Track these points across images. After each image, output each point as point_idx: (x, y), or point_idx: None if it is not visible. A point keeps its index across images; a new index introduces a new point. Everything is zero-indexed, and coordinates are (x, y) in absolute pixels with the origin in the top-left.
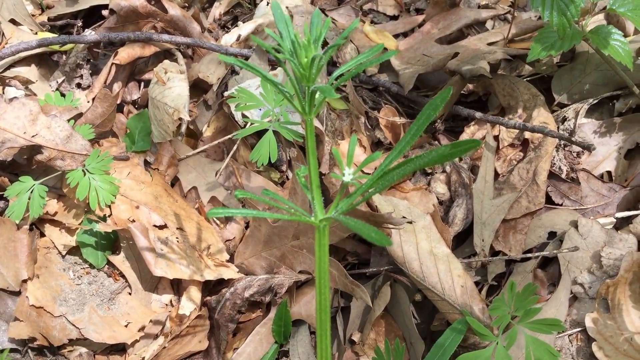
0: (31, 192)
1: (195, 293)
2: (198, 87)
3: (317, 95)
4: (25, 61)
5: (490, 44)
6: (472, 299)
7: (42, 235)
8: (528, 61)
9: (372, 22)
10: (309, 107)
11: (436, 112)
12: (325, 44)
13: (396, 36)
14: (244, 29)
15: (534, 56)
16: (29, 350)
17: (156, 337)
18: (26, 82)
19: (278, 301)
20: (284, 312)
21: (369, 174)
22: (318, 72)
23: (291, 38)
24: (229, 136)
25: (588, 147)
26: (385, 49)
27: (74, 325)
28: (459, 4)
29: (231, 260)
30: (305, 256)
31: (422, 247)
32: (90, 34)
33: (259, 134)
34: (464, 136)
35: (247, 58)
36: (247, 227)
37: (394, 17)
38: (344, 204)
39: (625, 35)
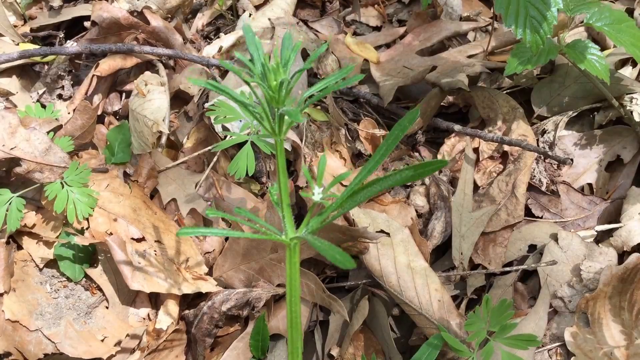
0: (9, 204)
1: (172, 307)
2: (179, 98)
3: (286, 117)
4: (6, 72)
5: (470, 56)
6: (449, 313)
7: (20, 248)
8: (505, 75)
9: (354, 33)
10: (279, 128)
11: (405, 132)
12: (306, 54)
13: (378, 47)
14: (226, 40)
15: (510, 70)
16: None
17: (133, 351)
18: (6, 94)
19: (256, 315)
20: (262, 326)
21: (347, 187)
22: (287, 95)
23: (261, 61)
24: (209, 148)
25: (564, 161)
26: (366, 60)
27: (49, 339)
28: (441, 16)
29: (210, 273)
30: (284, 269)
31: (399, 261)
32: (71, 46)
33: (240, 146)
34: (445, 148)
35: (228, 70)
36: (227, 240)
37: (377, 28)
38: (315, 222)
39: (605, 49)
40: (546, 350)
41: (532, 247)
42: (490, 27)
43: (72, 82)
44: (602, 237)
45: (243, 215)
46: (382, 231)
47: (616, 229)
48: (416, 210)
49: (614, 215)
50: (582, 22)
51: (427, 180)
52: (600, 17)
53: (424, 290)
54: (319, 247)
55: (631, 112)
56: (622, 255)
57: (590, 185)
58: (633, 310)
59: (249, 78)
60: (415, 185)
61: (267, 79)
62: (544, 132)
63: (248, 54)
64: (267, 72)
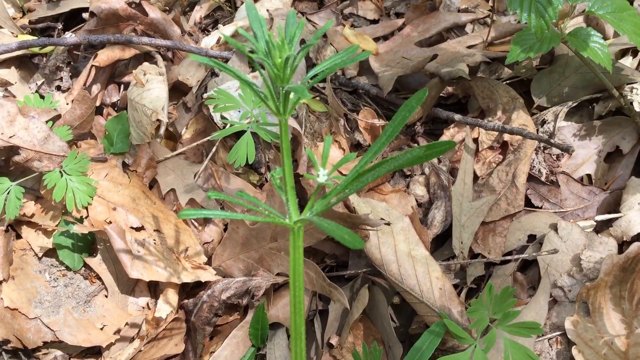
0: (8, 193)
1: (172, 296)
2: (178, 90)
3: (291, 96)
4: (5, 63)
5: (469, 47)
6: (450, 301)
7: (19, 237)
8: (507, 63)
9: (352, 25)
10: (284, 108)
11: (411, 114)
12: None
13: (376, 39)
14: (224, 31)
15: (512, 58)
16: (3, 353)
17: (132, 340)
18: (5, 84)
19: (255, 304)
20: (261, 315)
21: (346, 175)
22: (292, 73)
23: (265, 39)
24: (208, 138)
25: (567, 149)
26: (363, 50)
27: (49, 327)
28: (439, 7)
29: (209, 262)
30: (283, 258)
31: (400, 249)
32: (70, 37)
33: (238, 136)
34: (444, 138)
35: (227, 60)
36: (225, 230)
37: (374, 21)
38: (319, 205)
39: (605, 39)
40: (546, 340)
41: (531, 237)
42: (488, 20)
43: (70, 74)
44: (601, 227)
45: (245, 199)
46: (381, 220)
47: (616, 219)
48: (416, 200)
49: (613, 205)
50: (583, 11)
51: (426, 170)
52: (602, 5)
53: (424, 278)
54: (326, 228)
55: (631, 102)
56: (621, 245)
57: (589, 175)
58: (633, 299)
59: (253, 55)
60: (415, 174)
61: (272, 56)
62: (543, 122)
63: (247, 44)
64: (272, 49)
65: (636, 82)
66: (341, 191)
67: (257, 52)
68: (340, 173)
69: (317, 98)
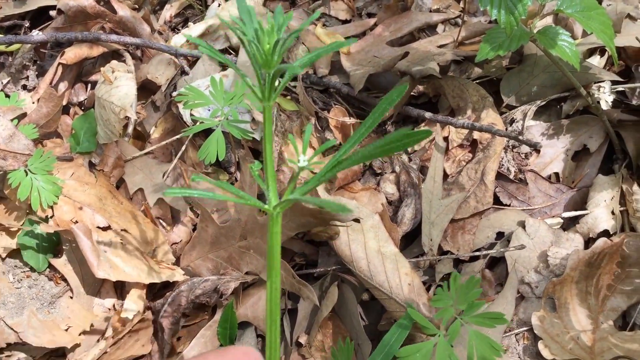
0: None
1: (139, 296)
2: (146, 89)
3: (276, 83)
4: None
5: (440, 46)
6: (419, 296)
7: None
8: (477, 61)
9: (324, 25)
10: (269, 93)
11: (392, 106)
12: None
13: (348, 39)
14: (195, 30)
15: (482, 56)
16: None
17: (97, 341)
18: None
19: (224, 303)
20: (230, 314)
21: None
22: (279, 58)
23: (255, 26)
24: (178, 136)
25: (535, 145)
26: (337, 51)
27: (12, 329)
28: (411, 8)
29: (177, 262)
30: (252, 257)
31: (369, 246)
32: (37, 34)
33: (207, 135)
34: None
35: (197, 59)
36: (194, 230)
37: (346, 22)
38: (299, 192)
39: (573, 39)
40: (513, 335)
41: (500, 235)
42: (459, 20)
43: (36, 73)
44: (568, 225)
45: (225, 186)
46: (352, 214)
47: (582, 216)
48: (386, 198)
49: (580, 203)
50: (552, 11)
51: (397, 168)
52: (571, 4)
53: (394, 274)
54: (312, 201)
55: (598, 101)
56: (587, 242)
57: (556, 174)
58: (599, 295)
59: (243, 35)
60: (386, 173)
61: (260, 42)
62: (512, 121)
63: (218, 42)
64: (261, 35)
65: (603, 81)
66: (321, 177)
67: (247, 34)
68: (312, 172)
69: (288, 97)
